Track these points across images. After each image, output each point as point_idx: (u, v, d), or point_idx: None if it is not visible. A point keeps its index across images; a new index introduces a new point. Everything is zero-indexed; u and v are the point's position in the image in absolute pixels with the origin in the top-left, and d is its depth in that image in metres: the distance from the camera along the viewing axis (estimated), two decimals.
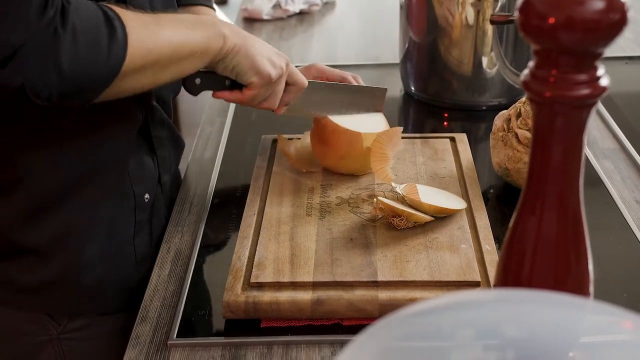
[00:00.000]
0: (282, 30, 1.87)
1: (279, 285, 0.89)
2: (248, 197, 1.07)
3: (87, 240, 0.98)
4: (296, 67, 1.07)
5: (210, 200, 1.13)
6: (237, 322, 0.87)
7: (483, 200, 1.05)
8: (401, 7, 1.44)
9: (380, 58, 1.69)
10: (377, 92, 1.16)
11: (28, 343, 1.03)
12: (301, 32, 1.87)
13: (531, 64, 0.58)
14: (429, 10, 1.37)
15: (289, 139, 1.22)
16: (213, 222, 1.08)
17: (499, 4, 1.31)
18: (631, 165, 1.20)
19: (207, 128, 1.37)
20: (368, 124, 1.11)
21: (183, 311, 0.90)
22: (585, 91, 0.56)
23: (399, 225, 0.96)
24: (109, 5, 0.83)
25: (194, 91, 0.99)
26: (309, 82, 1.07)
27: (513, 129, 1.08)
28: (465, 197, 1.06)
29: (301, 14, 1.98)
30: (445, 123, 1.41)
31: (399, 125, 1.10)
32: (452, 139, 1.23)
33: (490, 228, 0.98)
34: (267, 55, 0.97)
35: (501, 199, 1.12)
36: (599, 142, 1.28)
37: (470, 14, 1.33)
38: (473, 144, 1.23)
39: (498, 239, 0.98)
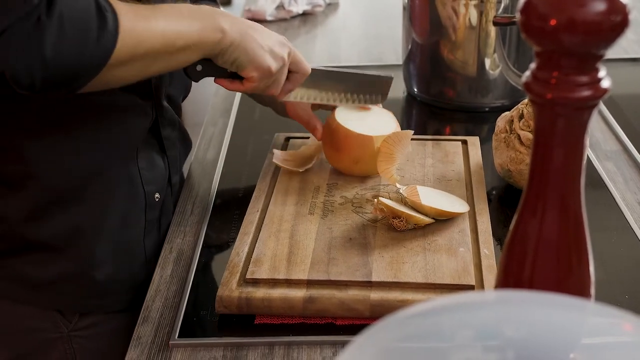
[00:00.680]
0: (285, 31, 1.87)
1: (273, 282, 0.89)
2: (254, 194, 1.08)
3: (98, 238, 0.99)
4: None
5: (213, 200, 1.13)
6: (239, 322, 0.87)
7: (487, 204, 1.05)
8: (404, 8, 1.44)
9: (383, 59, 1.69)
10: (382, 81, 1.16)
11: (39, 340, 1.03)
12: (304, 33, 1.87)
13: (533, 65, 0.58)
14: (432, 11, 1.37)
15: (291, 138, 1.22)
16: (215, 223, 1.08)
17: (502, 6, 1.31)
18: (633, 166, 1.20)
19: (210, 128, 1.37)
20: (379, 127, 1.11)
21: (185, 311, 0.90)
22: (586, 93, 0.56)
23: (398, 226, 0.96)
24: None
25: (195, 77, 0.99)
26: (313, 69, 1.07)
27: (515, 131, 1.08)
28: (470, 200, 1.06)
29: (304, 14, 1.98)
30: (448, 125, 1.41)
31: (410, 129, 1.10)
32: (464, 142, 1.23)
33: (490, 232, 0.97)
34: (268, 47, 0.96)
35: (503, 200, 1.12)
36: (602, 143, 1.28)
37: (473, 15, 1.33)
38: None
39: (499, 241, 0.98)
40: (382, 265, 0.91)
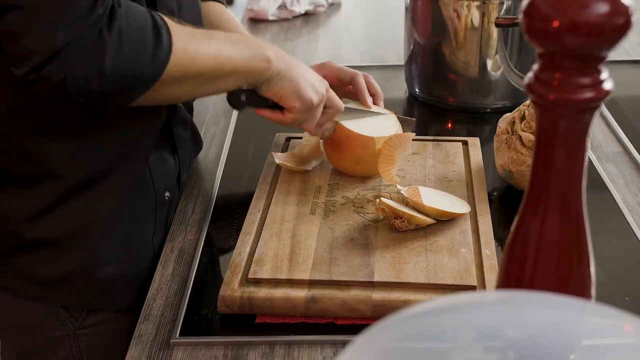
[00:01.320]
0: (287, 31, 1.87)
1: (275, 282, 0.89)
2: (255, 194, 1.08)
3: (106, 235, 0.99)
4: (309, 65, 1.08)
5: (214, 199, 1.13)
6: (240, 322, 0.88)
7: (489, 205, 1.05)
8: (406, 8, 1.44)
9: (385, 59, 1.69)
10: (405, 122, 1.17)
11: (46, 337, 1.04)
12: (306, 33, 1.88)
13: (535, 66, 0.58)
14: (434, 12, 1.37)
15: (292, 138, 1.22)
16: (217, 222, 1.08)
17: (504, 7, 1.31)
18: (634, 168, 1.20)
19: (211, 128, 1.37)
20: (381, 128, 1.11)
21: (186, 310, 0.90)
22: (588, 94, 0.56)
23: (400, 226, 0.96)
24: (160, 15, 0.86)
25: (239, 107, 1.02)
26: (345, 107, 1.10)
27: (517, 132, 1.08)
28: (471, 201, 1.06)
29: (306, 14, 1.98)
30: (449, 125, 1.41)
31: (412, 131, 1.11)
32: (465, 143, 1.23)
33: (492, 233, 0.98)
34: (310, 81, 1.00)
35: (504, 201, 1.12)
36: (603, 145, 1.28)
37: (475, 16, 1.33)
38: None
39: (500, 242, 0.98)
40: (384, 265, 0.91)
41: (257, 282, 0.90)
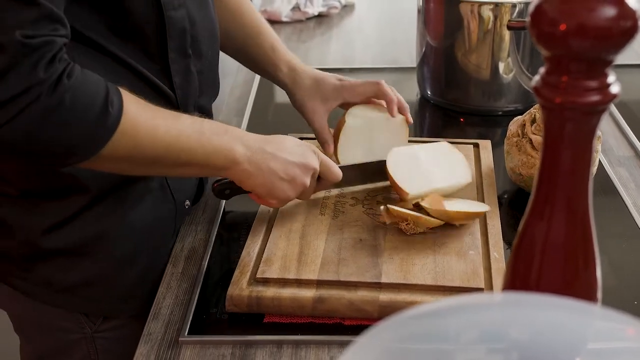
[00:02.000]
0: (300, 32, 1.88)
1: (283, 282, 0.90)
2: None
3: (125, 244, 0.99)
4: (320, 69, 1.10)
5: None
6: (248, 321, 0.88)
7: (498, 208, 1.05)
8: (419, 11, 1.44)
9: (397, 62, 1.69)
10: None
11: (64, 339, 1.05)
12: (319, 34, 1.88)
13: (542, 70, 0.58)
14: (446, 14, 1.37)
15: (303, 139, 1.23)
16: (227, 221, 1.09)
17: (517, 10, 1.31)
18: None
19: None
20: (388, 131, 1.13)
21: (195, 309, 0.91)
22: (595, 98, 0.56)
23: (407, 230, 0.96)
24: (122, 91, 0.83)
25: (224, 198, 1.03)
26: (350, 167, 1.07)
27: (527, 135, 1.08)
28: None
29: (320, 16, 1.98)
30: (461, 128, 1.41)
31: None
32: (476, 145, 1.23)
33: (501, 236, 0.98)
34: (289, 176, 0.95)
35: (514, 204, 1.12)
36: (615, 149, 1.27)
37: (487, 19, 1.33)
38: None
39: (509, 244, 0.98)
40: (392, 266, 0.92)
41: (265, 281, 0.90)
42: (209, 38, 1.05)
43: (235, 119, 1.41)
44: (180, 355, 0.85)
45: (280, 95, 1.31)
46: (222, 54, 1.13)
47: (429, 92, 1.47)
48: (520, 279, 0.64)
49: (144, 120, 0.83)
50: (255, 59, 1.21)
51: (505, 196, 1.14)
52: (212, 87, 1.09)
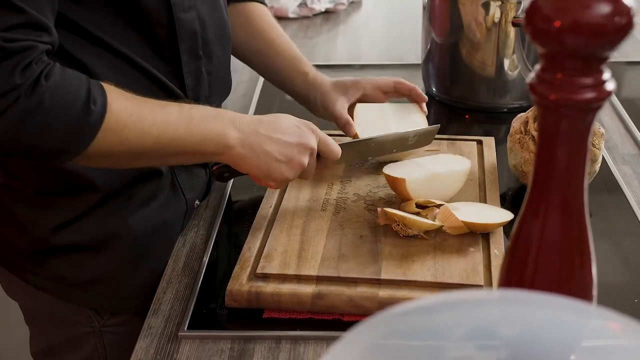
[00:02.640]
0: (307, 28, 1.88)
1: (283, 277, 0.90)
2: (267, 189, 1.09)
3: (134, 242, 1.00)
4: (326, 65, 1.08)
5: (228, 195, 1.14)
6: (247, 316, 0.88)
7: (500, 205, 1.04)
8: (424, 7, 1.44)
9: (404, 58, 1.69)
10: (427, 132, 1.15)
11: (73, 332, 1.06)
12: (326, 31, 1.88)
13: (537, 67, 0.58)
14: (451, 11, 1.37)
15: None
16: (229, 217, 1.09)
17: (522, 6, 1.31)
18: None
19: None
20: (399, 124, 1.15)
21: (195, 304, 0.91)
22: (590, 95, 0.56)
23: (399, 232, 0.95)
24: (105, 86, 0.82)
25: (224, 180, 1.02)
26: (346, 144, 1.05)
27: (530, 132, 1.07)
28: (483, 200, 1.06)
29: (327, 12, 1.98)
30: (466, 125, 1.41)
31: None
32: (480, 142, 1.23)
33: (502, 233, 0.97)
34: (286, 157, 0.93)
35: (517, 201, 1.11)
36: (619, 147, 1.27)
37: (492, 15, 1.33)
38: (495, 146, 1.23)
39: None
40: (392, 263, 0.92)
41: (265, 277, 0.90)
42: (220, 39, 1.05)
43: None
44: (180, 350, 0.85)
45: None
46: None
47: (434, 89, 1.47)
48: (515, 276, 0.64)
49: (129, 114, 0.83)
50: (272, 74, 1.23)
51: (510, 193, 1.13)
52: (222, 87, 1.09)
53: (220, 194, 1.14)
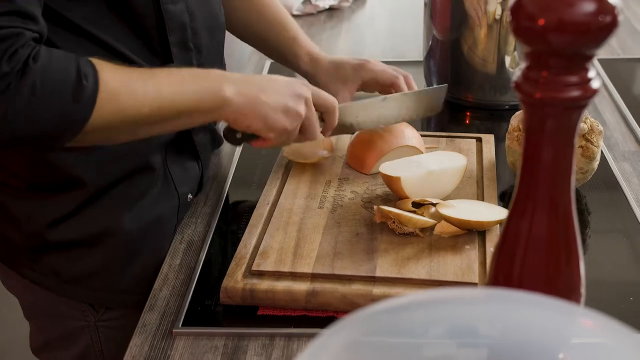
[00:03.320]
0: (310, 25, 1.88)
1: (278, 275, 0.90)
2: (265, 187, 1.09)
3: (128, 237, 1.01)
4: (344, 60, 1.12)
5: (226, 193, 1.14)
6: (242, 313, 0.89)
7: (497, 202, 1.04)
8: (425, 4, 1.44)
9: (407, 55, 1.69)
10: (435, 93, 1.16)
11: (69, 327, 1.07)
12: (329, 28, 1.88)
13: (523, 65, 0.58)
14: (453, 8, 1.36)
15: None
16: (227, 215, 1.09)
17: None
18: None
19: None
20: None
21: (190, 300, 0.91)
22: (575, 93, 0.56)
23: (395, 229, 0.95)
24: (92, 61, 0.82)
25: (236, 143, 1.02)
26: (355, 103, 1.07)
27: None
28: (480, 197, 1.06)
29: (331, 9, 1.98)
30: (467, 122, 1.41)
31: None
32: (479, 139, 1.22)
33: (499, 230, 0.97)
34: (282, 106, 0.95)
35: None
36: (620, 144, 1.26)
37: (494, 12, 1.32)
38: (495, 143, 1.23)
39: None
40: (387, 260, 0.92)
41: (261, 274, 0.91)
42: (210, 31, 1.05)
43: None
44: (174, 346, 0.85)
45: None
46: (231, 45, 1.14)
47: (435, 86, 1.46)
48: (503, 275, 0.64)
49: (122, 84, 0.83)
50: (277, 49, 1.24)
51: (509, 191, 1.13)
52: None
53: (219, 192, 1.15)
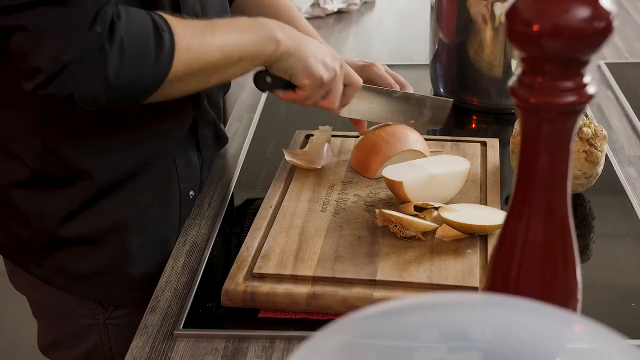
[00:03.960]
0: (318, 29, 1.87)
1: (279, 278, 0.90)
2: (269, 190, 1.09)
3: (134, 234, 1.02)
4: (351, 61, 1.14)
5: (230, 195, 1.15)
6: (243, 315, 0.89)
7: (501, 207, 1.04)
8: (432, 7, 1.44)
9: (414, 58, 1.69)
10: (441, 104, 1.18)
11: (78, 324, 1.08)
12: (337, 31, 1.88)
13: (519, 70, 0.58)
14: (459, 11, 1.36)
15: (312, 135, 1.23)
16: (231, 217, 1.10)
17: None
18: None
19: (234, 124, 1.39)
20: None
21: (192, 303, 0.92)
22: (571, 98, 0.56)
23: (396, 232, 0.95)
24: (162, 15, 0.87)
25: (264, 88, 1.04)
26: (368, 87, 1.11)
27: None
28: (483, 201, 1.06)
29: (339, 12, 1.98)
30: (473, 126, 1.41)
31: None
32: (484, 144, 1.22)
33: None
34: (320, 57, 1.00)
35: None
36: (626, 148, 1.26)
37: (499, 16, 1.32)
38: (501, 147, 1.23)
39: None
40: (388, 264, 0.92)
41: (262, 277, 0.91)
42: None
43: (247, 115, 1.42)
44: (174, 348, 0.86)
45: None
46: None
47: (441, 90, 1.47)
48: (500, 280, 0.64)
49: (193, 35, 0.89)
50: None
51: None
52: None
53: (223, 194, 1.15)
